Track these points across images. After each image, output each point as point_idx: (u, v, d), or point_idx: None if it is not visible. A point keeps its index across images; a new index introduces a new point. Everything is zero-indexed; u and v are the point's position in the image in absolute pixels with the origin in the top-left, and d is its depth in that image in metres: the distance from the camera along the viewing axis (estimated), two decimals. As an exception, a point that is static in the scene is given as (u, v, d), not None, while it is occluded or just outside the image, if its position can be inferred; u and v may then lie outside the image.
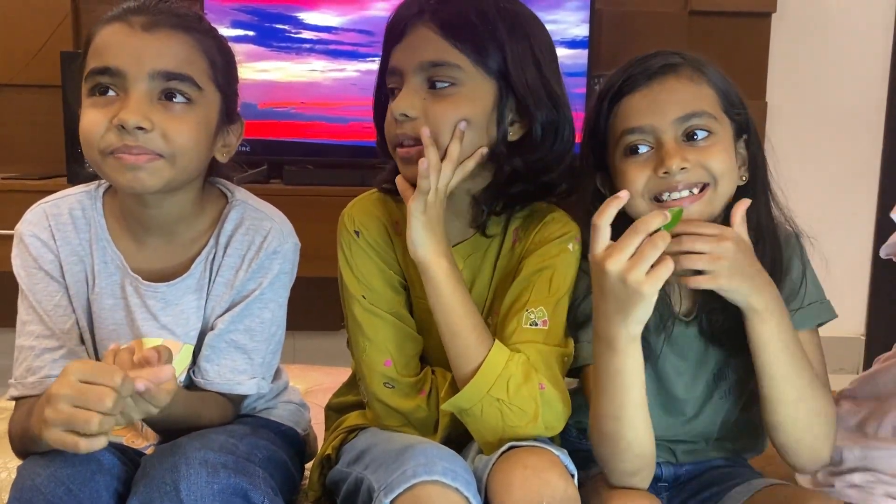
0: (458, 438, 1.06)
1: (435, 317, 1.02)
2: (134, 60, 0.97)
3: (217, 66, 1.03)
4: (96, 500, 0.90)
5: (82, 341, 1.07)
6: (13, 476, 0.91)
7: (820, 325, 1.09)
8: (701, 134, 1.00)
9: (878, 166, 2.63)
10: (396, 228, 1.10)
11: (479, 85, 1.02)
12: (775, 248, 1.06)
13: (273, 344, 1.10)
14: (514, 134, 1.05)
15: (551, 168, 1.06)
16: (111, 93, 0.98)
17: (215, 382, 1.06)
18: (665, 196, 0.99)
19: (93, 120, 0.98)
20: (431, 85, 1.01)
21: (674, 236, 0.91)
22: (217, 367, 1.06)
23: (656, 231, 0.88)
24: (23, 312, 1.06)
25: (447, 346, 1.01)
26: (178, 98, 0.99)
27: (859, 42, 2.57)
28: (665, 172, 0.98)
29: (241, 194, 1.12)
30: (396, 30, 1.04)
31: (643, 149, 1.00)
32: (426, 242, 1.00)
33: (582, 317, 1.06)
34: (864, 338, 2.69)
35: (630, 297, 0.88)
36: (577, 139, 1.10)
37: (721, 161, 1.00)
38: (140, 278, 1.06)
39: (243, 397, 1.13)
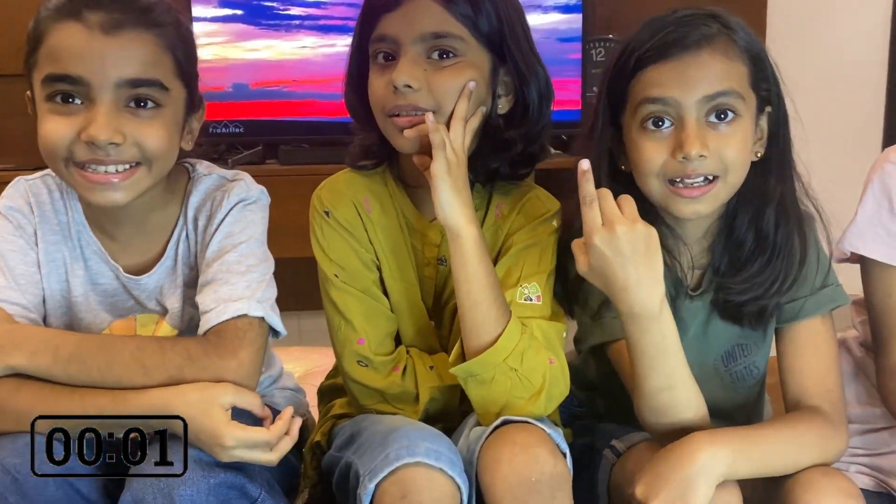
0: (443, 417, 1.06)
1: (456, 284, 1.00)
2: (97, 69, 0.90)
3: (180, 59, 0.97)
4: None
5: (44, 321, 1.02)
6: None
7: (832, 310, 1.06)
8: (724, 116, 0.96)
9: (881, 125, 2.60)
10: (367, 206, 1.09)
11: (478, 55, 1.02)
12: (801, 231, 1.03)
13: (258, 273, 1.00)
14: (503, 107, 1.05)
15: (533, 140, 1.07)
16: (74, 100, 0.92)
17: (210, 309, 0.97)
18: (679, 183, 0.97)
19: (56, 130, 0.92)
20: (431, 56, 1.00)
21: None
22: (213, 294, 0.97)
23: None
24: None
25: (464, 315, 0.99)
26: (148, 104, 0.93)
27: (860, -2, 2.54)
28: (683, 157, 0.95)
29: (204, 167, 1.07)
30: None
31: (666, 123, 0.97)
32: (455, 205, 0.98)
33: (596, 300, 1.04)
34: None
35: (649, 245, 0.90)
36: (578, 106, 1.09)
37: (738, 151, 0.97)
38: (120, 269, 1.04)
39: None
